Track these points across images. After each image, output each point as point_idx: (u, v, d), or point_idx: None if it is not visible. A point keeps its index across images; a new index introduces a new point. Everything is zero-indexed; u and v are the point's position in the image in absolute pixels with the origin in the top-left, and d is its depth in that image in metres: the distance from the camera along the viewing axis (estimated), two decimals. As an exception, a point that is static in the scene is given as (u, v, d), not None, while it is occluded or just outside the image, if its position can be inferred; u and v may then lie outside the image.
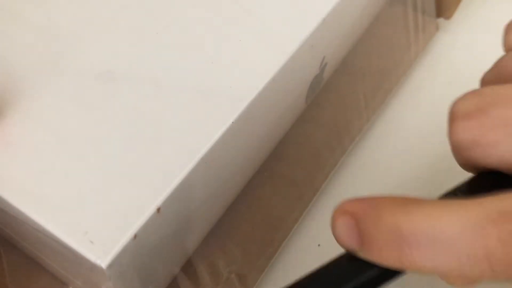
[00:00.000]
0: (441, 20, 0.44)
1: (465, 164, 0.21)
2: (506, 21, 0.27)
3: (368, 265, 0.19)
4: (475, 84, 0.43)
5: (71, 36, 0.29)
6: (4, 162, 0.25)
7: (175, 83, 0.27)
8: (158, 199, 0.24)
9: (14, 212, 0.24)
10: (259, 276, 0.33)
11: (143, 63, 0.28)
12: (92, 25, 0.29)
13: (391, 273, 0.19)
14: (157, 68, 0.28)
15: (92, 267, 0.23)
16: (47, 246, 0.25)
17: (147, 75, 0.28)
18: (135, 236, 0.23)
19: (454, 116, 0.21)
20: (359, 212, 0.20)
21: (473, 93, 0.21)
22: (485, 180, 0.21)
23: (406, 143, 0.40)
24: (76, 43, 0.28)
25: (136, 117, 0.26)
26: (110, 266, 0.22)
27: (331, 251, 0.35)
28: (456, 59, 0.45)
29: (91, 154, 0.25)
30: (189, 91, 0.27)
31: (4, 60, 0.28)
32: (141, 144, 0.25)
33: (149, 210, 0.24)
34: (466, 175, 0.22)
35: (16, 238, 0.28)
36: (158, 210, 0.24)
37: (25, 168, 0.24)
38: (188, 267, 0.29)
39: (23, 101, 0.26)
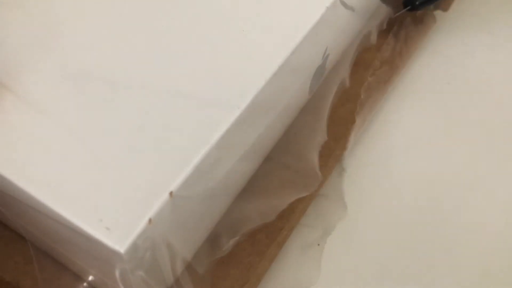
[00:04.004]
0: (438, 12, 0.45)
1: None
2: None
3: None
4: (474, 84, 0.43)
5: (73, 40, 0.29)
6: (20, 152, 0.25)
7: (185, 71, 0.28)
8: (171, 184, 0.24)
9: (31, 201, 0.24)
10: (269, 264, 0.33)
11: (149, 60, 0.28)
12: (93, 28, 0.29)
13: None
14: (169, 59, 0.28)
15: (109, 253, 0.23)
16: (63, 236, 0.25)
17: (151, 72, 0.28)
18: (150, 221, 0.23)
19: None
20: None
21: None
22: None
23: (405, 142, 0.41)
24: (77, 46, 0.29)
25: (148, 107, 0.27)
26: (128, 251, 0.23)
27: (331, 251, 0.36)
28: (455, 59, 0.45)
29: (103, 143, 0.25)
30: (198, 81, 0.28)
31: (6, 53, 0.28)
32: (153, 131, 0.26)
33: (163, 194, 0.24)
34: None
35: (30, 230, 0.28)
36: (171, 194, 0.24)
37: (40, 157, 0.25)
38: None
39: (33, 95, 0.27)
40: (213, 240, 0.32)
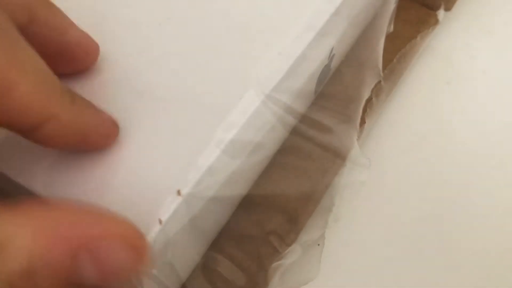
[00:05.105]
0: (441, 12, 0.45)
1: None
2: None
3: None
4: (474, 84, 0.44)
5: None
6: (24, 151, 0.25)
7: (194, 69, 0.28)
8: (181, 184, 0.24)
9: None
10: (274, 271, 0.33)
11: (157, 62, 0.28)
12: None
13: None
14: (178, 60, 0.28)
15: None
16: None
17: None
18: (160, 221, 0.23)
19: None
20: None
21: None
22: None
23: (404, 142, 0.41)
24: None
25: (152, 104, 0.26)
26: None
27: (331, 250, 0.36)
28: (455, 59, 0.45)
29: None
30: (205, 81, 0.28)
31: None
32: (163, 131, 0.26)
33: (172, 194, 0.24)
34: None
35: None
36: (179, 192, 0.24)
37: (47, 157, 0.25)
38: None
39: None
40: (265, 238, 0.32)
